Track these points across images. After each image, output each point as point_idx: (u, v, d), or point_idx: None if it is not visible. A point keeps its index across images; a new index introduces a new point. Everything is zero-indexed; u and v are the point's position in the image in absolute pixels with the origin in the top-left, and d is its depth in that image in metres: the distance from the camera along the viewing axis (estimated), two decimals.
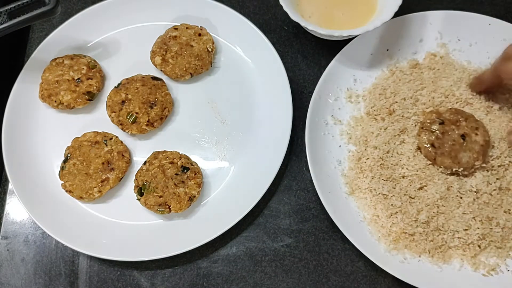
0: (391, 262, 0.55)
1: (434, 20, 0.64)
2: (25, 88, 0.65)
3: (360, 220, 0.58)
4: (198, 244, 0.57)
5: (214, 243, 0.59)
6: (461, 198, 0.57)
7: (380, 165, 0.58)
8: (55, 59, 0.65)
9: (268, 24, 0.70)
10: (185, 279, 0.59)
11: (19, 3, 0.57)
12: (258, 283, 0.59)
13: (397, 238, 0.56)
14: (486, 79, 0.59)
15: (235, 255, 0.60)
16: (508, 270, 0.55)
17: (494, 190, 0.56)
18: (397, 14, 0.59)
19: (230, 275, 0.59)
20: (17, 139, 0.63)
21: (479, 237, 0.55)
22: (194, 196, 0.59)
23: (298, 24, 0.60)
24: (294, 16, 0.59)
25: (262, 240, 0.60)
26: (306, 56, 0.68)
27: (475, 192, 0.56)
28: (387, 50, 0.65)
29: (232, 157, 0.63)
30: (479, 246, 0.55)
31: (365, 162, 0.60)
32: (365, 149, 0.60)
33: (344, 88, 0.64)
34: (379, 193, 0.58)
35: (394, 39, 0.65)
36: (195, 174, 0.60)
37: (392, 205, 0.57)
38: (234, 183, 0.62)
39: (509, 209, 0.56)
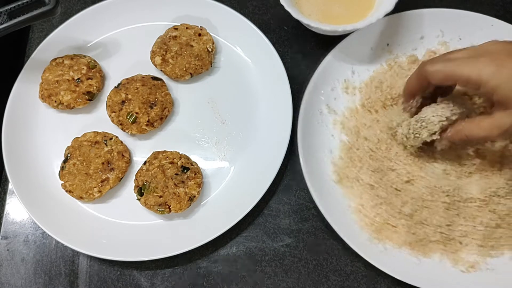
0: (371, 251, 0.55)
1: (437, 18, 0.64)
2: (25, 88, 0.65)
3: (345, 208, 0.58)
4: (198, 244, 0.57)
5: (214, 243, 0.59)
6: (447, 195, 0.56)
7: (369, 156, 0.59)
8: (55, 59, 0.65)
9: (268, 24, 0.70)
10: (185, 279, 0.59)
11: (19, 3, 0.57)
12: (258, 283, 0.59)
13: (380, 228, 0.57)
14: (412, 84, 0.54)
15: (235, 255, 0.60)
16: (487, 269, 0.55)
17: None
18: (399, 10, 0.59)
19: (230, 275, 0.59)
20: (17, 139, 0.63)
21: (461, 233, 0.55)
22: (194, 196, 0.59)
23: (298, 24, 0.60)
24: (296, 15, 0.59)
25: (262, 240, 0.60)
26: (306, 56, 0.68)
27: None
28: (387, 44, 0.65)
29: (232, 157, 0.63)
30: (460, 243, 0.55)
31: (355, 152, 0.60)
32: (357, 140, 0.61)
33: (342, 79, 0.64)
34: (366, 183, 0.58)
35: (395, 34, 0.64)
36: (195, 174, 0.60)
37: (377, 195, 0.57)
38: (234, 183, 0.62)
39: (494, 209, 0.55)
